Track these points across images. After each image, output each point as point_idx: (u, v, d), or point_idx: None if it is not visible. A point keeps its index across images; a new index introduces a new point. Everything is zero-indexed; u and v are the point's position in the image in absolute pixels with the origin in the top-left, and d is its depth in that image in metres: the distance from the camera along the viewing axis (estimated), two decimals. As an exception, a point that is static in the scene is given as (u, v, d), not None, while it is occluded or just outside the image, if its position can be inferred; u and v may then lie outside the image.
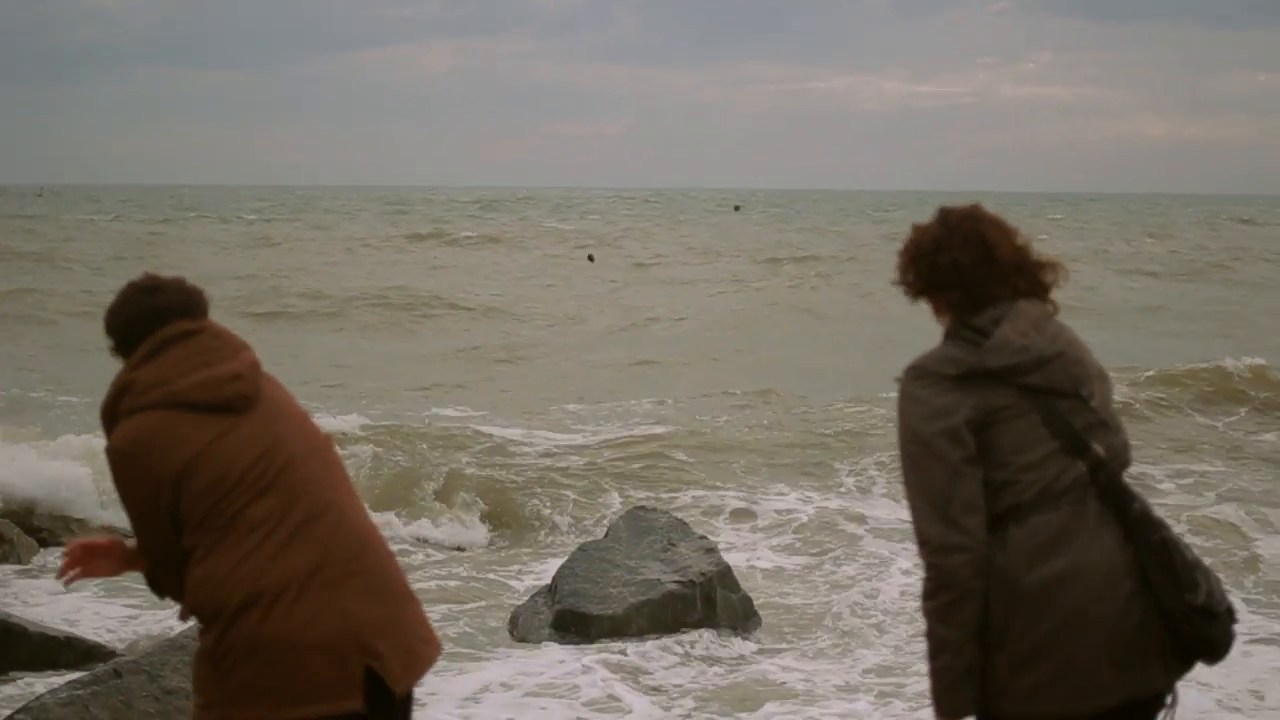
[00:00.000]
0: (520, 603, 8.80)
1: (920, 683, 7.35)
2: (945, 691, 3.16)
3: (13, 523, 10.40)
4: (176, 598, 3.43)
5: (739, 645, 8.09)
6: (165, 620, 7.96)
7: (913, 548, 11.78)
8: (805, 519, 11.25)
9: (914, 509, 3.19)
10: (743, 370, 19.94)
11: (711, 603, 8.19)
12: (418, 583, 9.67)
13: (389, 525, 10.72)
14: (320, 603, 3.25)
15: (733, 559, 9.29)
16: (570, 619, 8.14)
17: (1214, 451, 14.17)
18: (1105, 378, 3.33)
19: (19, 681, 7.05)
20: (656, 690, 7.33)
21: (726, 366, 20.52)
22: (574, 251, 43.29)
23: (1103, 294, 31.23)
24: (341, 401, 16.07)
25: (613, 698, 7.22)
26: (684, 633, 8.07)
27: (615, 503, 11.56)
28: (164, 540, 3.34)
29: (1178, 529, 3.41)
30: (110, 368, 3.53)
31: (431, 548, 10.76)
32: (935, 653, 3.16)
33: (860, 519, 11.20)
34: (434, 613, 8.90)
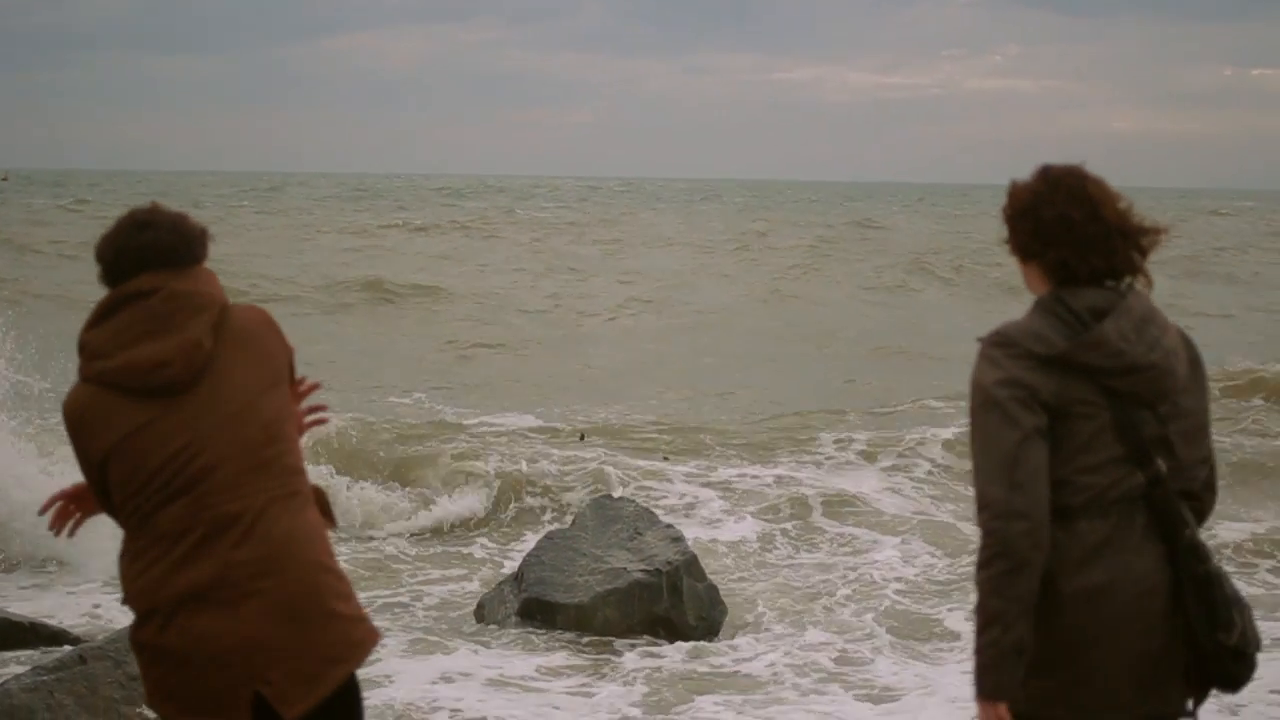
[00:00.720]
0: (486, 591, 8.80)
1: (888, 675, 7.39)
2: (987, 670, 3.00)
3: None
4: None
5: (704, 633, 8.12)
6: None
7: (885, 538, 11.74)
8: (777, 505, 11.27)
9: (978, 470, 3.04)
10: (719, 360, 20.01)
11: (678, 591, 8.20)
12: (382, 569, 9.67)
13: (350, 513, 10.68)
14: (212, 623, 3.22)
15: (699, 546, 9.32)
16: (536, 607, 8.15)
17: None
18: (1202, 389, 3.21)
19: (-19, 667, 7.00)
20: (621, 678, 7.35)
21: (702, 354, 20.57)
22: (546, 239, 42.92)
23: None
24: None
25: (578, 685, 7.23)
26: (649, 620, 8.09)
27: (582, 490, 11.56)
28: (107, 508, 3.41)
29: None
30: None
31: (398, 534, 10.73)
32: (984, 627, 3.01)
33: (833, 504, 11.26)
34: (399, 598, 8.92)
